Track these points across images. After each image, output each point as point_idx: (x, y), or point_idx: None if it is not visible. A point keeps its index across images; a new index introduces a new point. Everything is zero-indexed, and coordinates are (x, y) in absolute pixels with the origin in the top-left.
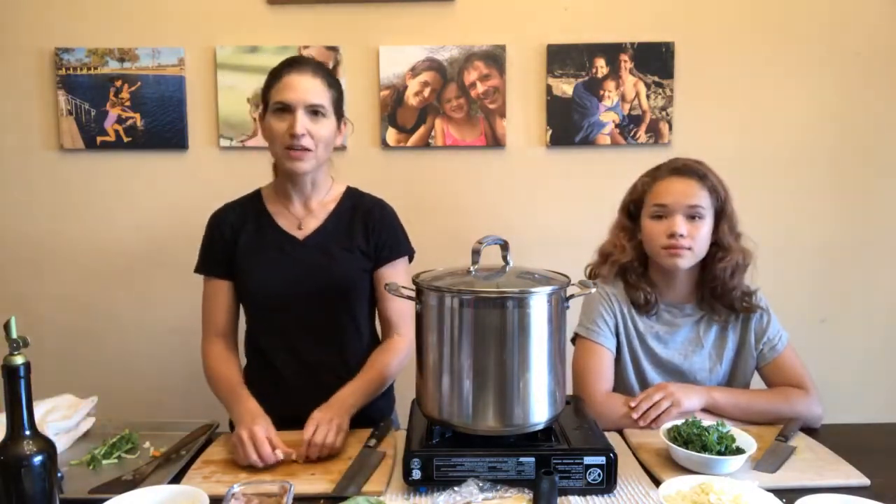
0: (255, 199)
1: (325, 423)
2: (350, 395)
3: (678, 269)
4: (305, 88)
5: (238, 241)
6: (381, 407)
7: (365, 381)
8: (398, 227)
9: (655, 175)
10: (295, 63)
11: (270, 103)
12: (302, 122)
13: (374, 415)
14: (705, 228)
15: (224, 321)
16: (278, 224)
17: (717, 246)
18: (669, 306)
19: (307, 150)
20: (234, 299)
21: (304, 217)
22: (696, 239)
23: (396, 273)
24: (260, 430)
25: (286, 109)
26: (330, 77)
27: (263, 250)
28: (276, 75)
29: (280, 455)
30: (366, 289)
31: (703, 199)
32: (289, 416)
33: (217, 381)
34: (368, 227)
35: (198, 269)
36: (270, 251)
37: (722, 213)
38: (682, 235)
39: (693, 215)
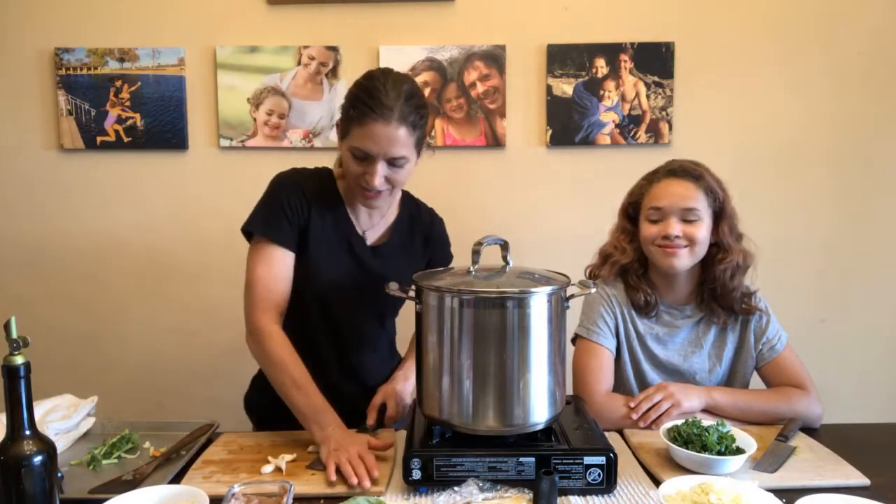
0: (329, 181)
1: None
2: (409, 378)
3: (674, 269)
4: (388, 140)
5: (312, 226)
6: None
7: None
8: (448, 240)
9: (652, 178)
10: (380, 106)
11: (348, 138)
12: (380, 173)
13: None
14: (703, 230)
15: (284, 295)
16: (353, 222)
17: (718, 247)
18: (669, 308)
19: (381, 192)
20: (292, 275)
21: (369, 225)
22: (692, 240)
23: None
24: (364, 449)
25: (365, 158)
26: (417, 114)
27: (336, 245)
28: (360, 116)
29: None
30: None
31: (699, 202)
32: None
33: (293, 384)
34: (427, 242)
35: (257, 230)
36: (342, 248)
37: (721, 214)
38: (677, 237)
39: (689, 218)
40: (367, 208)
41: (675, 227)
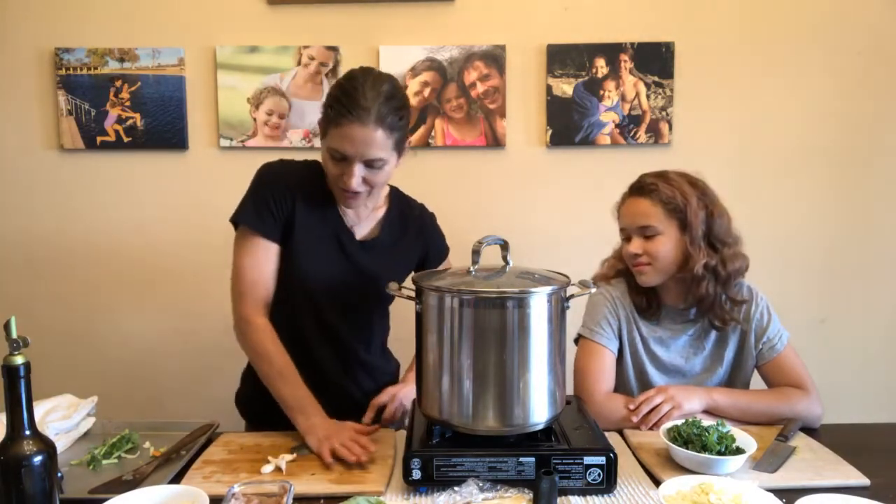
0: (318, 173)
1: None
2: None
3: (645, 284)
4: (365, 142)
5: (298, 219)
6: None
7: None
8: (441, 232)
9: (623, 197)
10: (357, 107)
11: (327, 140)
12: (358, 175)
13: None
14: (663, 244)
15: (269, 287)
16: (342, 217)
17: (685, 255)
18: (671, 311)
19: (360, 193)
20: (275, 266)
21: (356, 220)
22: (652, 256)
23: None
24: (353, 433)
25: (343, 159)
26: (395, 115)
27: (324, 240)
28: (337, 116)
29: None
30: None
31: (654, 217)
32: (325, 407)
33: (279, 376)
34: (422, 238)
35: (245, 221)
36: (331, 243)
37: (685, 223)
38: (638, 255)
39: (646, 234)
40: (347, 208)
41: (635, 246)
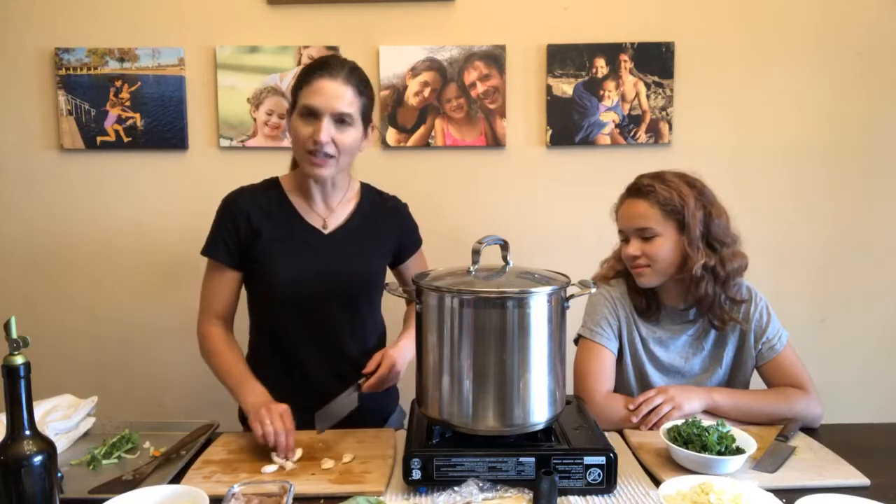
0: (275, 188)
1: (386, 365)
2: (407, 346)
3: (644, 286)
4: (335, 95)
5: (260, 233)
6: (385, 401)
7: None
8: (415, 223)
9: (620, 199)
10: (327, 66)
11: (298, 104)
12: (327, 130)
13: (376, 406)
14: (662, 246)
15: (226, 307)
16: (303, 217)
17: (684, 256)
18: (671, 311)
19: (329, 156)
20: (238, 288)
21: (327, 214)
22: (651, 258)
23: (420, 260)
24: (281, 407)
25: (313, 114)
26: (362, 84)
27: (290, 242)
28: (307, 76)
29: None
30: (383, 280)
31: (651, 219)
32: (310, 406)
33: (222, 367)
34: (396, 226)
35: (206, 252)
36: (297, 243)
37: (683, 224)
38: (636, 257)
39: (645, 236)
40: (317, 180)
41: (633, 248)
